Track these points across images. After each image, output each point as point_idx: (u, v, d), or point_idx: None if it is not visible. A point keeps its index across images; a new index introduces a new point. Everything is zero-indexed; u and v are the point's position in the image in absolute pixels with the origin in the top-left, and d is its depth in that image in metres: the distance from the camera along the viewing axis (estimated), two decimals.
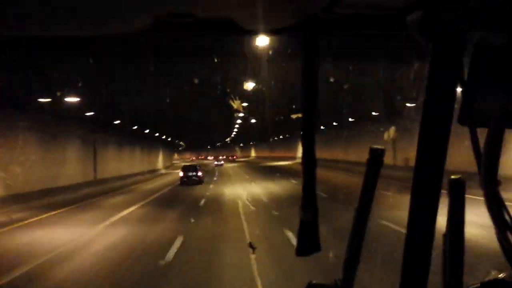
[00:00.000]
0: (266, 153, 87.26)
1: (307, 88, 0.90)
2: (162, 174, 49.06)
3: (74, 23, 1.04)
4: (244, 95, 19.06)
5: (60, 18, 1.00)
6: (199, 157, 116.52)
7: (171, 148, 75.30)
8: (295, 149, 58.47)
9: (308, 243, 0.92)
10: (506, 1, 0.76)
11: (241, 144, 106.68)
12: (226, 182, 31.86)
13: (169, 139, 60.89)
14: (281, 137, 66.74)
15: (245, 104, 21.75)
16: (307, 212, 0.91)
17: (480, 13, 0.77)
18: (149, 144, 49.72)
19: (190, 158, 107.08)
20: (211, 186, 28.20)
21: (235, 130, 60.02)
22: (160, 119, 33.40)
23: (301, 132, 0.90)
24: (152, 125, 38.10)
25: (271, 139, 79.12)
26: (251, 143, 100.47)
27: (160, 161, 58.26)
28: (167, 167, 62.23)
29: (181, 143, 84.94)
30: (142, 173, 41.71)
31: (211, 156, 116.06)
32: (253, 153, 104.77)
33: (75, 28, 1.09)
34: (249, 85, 17.52)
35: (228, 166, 64.28)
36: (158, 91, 20.47)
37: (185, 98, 23.09)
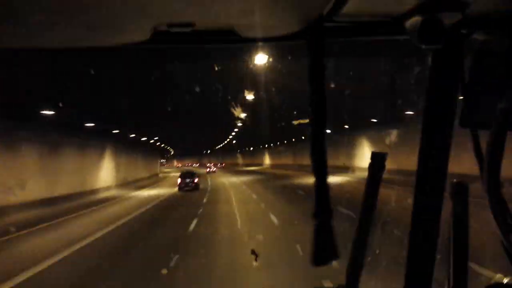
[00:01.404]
0: (288, 160, 58.00)
1: (315, 94, 0.90)
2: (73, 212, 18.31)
3: (73, 35, 1.05)
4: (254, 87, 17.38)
5: (59, 31, 1.01)
6: (186, 164, 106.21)
7: (152, 153, 53.64)
8: (349, 154, 29.76)
9: (325, 250, 0.89)
10: (506, 7, 0.77)
11: (251, 148, 79.08)
12: None
13: (144, 139, 39.90)
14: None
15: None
16: (321, 218, 0.89)
17: (479, 18, 0.78)
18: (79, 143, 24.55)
19: (176, 166, 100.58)
20: None
21: (236, 130, 42.46)
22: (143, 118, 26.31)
23: (311, 138, 0.89)
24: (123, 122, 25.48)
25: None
26: (265, 146, 71.08)
27: (104, 172, 30.00)
28: (124, 185, 32.89)
29: (169, 148, 70.94)
30: None
31: (197, 163, 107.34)
32: (267, 160, 73.93)
33: (74, 40, 1.10)
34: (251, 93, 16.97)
35: (227, 183, 34.72)
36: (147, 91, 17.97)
37: (179, 100, 21.21)
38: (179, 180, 31.03)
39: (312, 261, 0.88)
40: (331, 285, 1.01)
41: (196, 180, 30.94)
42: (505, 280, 0.92)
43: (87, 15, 0.92)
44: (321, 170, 0.89)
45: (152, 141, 45.72)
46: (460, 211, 0.88)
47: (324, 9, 0.87)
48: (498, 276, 0.92)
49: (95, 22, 0.95)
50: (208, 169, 61.39)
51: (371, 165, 0.92)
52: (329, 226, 0.88)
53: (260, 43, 1.08)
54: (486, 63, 0.81)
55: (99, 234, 12.64)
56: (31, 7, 0.86)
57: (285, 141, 54.86)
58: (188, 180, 30.47)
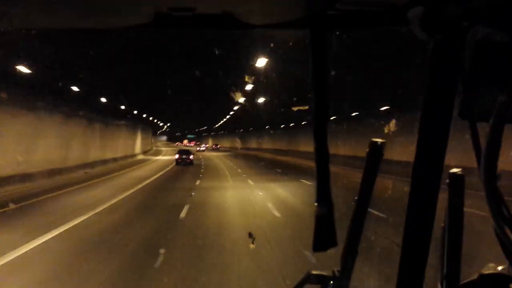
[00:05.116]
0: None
1: (317, 82, 0.89)
2: None
3: (75, 17, 1.05)
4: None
5: (61, 12, 1.00)
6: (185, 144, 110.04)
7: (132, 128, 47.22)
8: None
9: (325, 238, 0.91)
10: None
11: (269, 128, 55.45)
12: None
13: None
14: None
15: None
16: (323, 207, 0.90)
17: (481, 10, 0.77)
18: None
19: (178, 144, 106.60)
20: None
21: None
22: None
23: (313, 127, 0.89)
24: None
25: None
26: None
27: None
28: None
29: (160, 123, 72.78)
30: None
31: (188, 142, 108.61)
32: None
33: (76, 21, 1.10)
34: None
35: None
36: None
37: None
38: (176, 156, 37.71)
39: (312, 247, 0.90)
40: (325, 271, 1.02)
41: (191, 157, 37.30)
42: (499, 268, 0.93)
43: None
44: (323, 159, 0.89)
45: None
46: (456, 201, 0.88)
47: None
48: (491, 265, 0.94)
49: (97, 4, 0.95)
50: (198, 148, 74.77)
51: (369, 153, 0.92)
52: (330, 215, 0.90)
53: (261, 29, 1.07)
54: (487, 54, 0.81)
55: None
56: None
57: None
58: (184, 156, 37.05)
